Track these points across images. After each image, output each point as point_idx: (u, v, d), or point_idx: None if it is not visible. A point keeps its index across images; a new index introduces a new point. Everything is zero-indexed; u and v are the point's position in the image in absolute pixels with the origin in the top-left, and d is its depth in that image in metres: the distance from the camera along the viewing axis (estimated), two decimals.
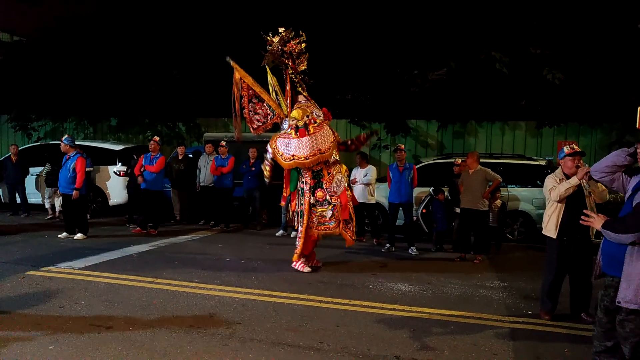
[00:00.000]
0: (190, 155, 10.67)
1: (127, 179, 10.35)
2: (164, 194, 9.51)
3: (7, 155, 11.11)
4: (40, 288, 5.40)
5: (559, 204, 4.77)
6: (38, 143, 12.98)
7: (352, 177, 8.65)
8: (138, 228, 9.09)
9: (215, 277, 6.04)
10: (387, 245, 7.97)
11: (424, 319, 4.76)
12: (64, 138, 8.49)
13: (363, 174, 8.44)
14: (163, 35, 13.58)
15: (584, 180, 4.58)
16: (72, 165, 8.15)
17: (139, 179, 9.04)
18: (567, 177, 4.73)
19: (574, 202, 4.67)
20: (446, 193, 8.37)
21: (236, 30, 13.16)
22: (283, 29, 6.53)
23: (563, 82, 10.73)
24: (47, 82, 13.95)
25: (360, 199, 8.46)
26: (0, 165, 11.03)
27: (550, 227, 4.83)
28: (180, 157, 10.38)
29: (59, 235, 8.32)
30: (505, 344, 4.19)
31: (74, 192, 8.13)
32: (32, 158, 11.32)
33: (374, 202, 8.65)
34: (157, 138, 9.42)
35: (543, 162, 9.25)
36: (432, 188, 8.46)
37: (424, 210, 8.45)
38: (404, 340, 4.18)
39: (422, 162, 9.80)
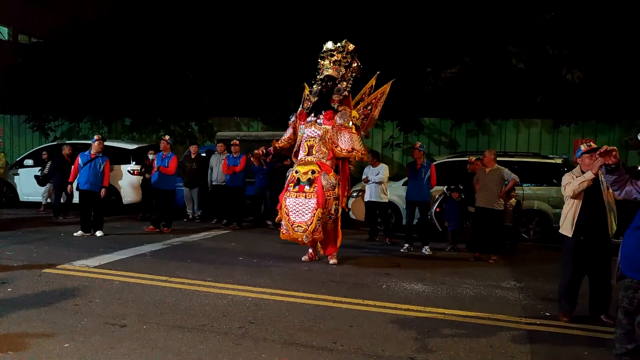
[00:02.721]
0: (203, 155, 10.71)
1: (141, 177, 10.44)
2: (175, 193, 9.52)
3: (59, 156, 10.67)
4: (56, 286, 5.45)
5: (575, 201, 4.66)
6: (55, 143, 13.16)
7: (364, 176, 8.61)
8: (151, 227, 9.15)
9: (228, 276, 6.03)
10: (406, 245, 7.85)
11: (439, 319, 4.69)
12: (97, 137, 8.74)
13: (375, 173, 8.39)
14: (176, 36, 13.66)
15: (601, 174, 4.45)
16: (103, 164, 8.50)
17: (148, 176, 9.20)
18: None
19: (590, 200, 4.56)
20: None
21: (247, 30, 13.18)
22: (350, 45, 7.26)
23: (581, 81, 10.52)
24: (64, 83, 14.14)
25: (372, 197, 8.42)
26: (57, 165, 10.54)
27: (566, 226, 4.73)
28: (192, 156, 10.43)
29: (75, 234, 8.42)
30: (523, 346, 4.10)
31: (103, 191, 8.50)
32: (49, 157, 11.52)
33: (386, 200, 8.59)
34: (167, 137, 9.46)
35: (559, 161, 9.09)
36: (445, 187, 8.37)
37: (437, 209, 8.35)
38: (418, 341, 4.12)
39: (436, 161, 9.69)
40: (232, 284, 5.65)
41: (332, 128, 6.90)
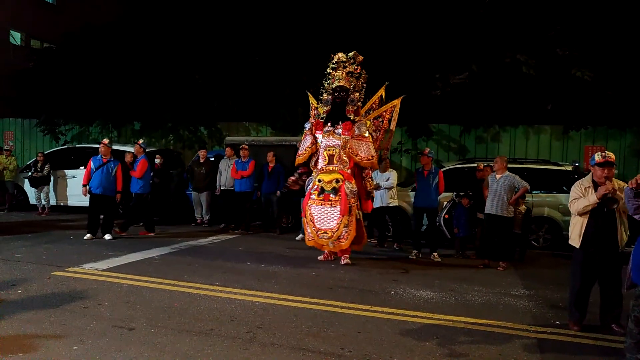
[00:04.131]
0: (212, 159, 10.77)
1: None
2: (146, 196, 9.26)
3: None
4: (65, 289, 5.50)
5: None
6: (65, 146, 13.32)
7: (373, 182, 8.60)
8: (145, 231, 9.22)
9: (236, 280, 6.05)
10: (414, 251, 7.84)
11: (448, 326, 4.66)
12: (106, 141, 8.75)
13: (385, 178, 8.38)
14: (185, 41, 13.79)
15: (610, 194, 4.40)
16: (115, 168, 8.54)
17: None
18: (596, 185, 4.58)
19: (599, 211, 4.52)
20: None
21: (256, 36, 13.28)
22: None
23: (591, 84, 10.45)
24: (74, 87, 14.32)
25: (383, 203, 8.42)
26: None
27: (574, 237, 4.70)
28: (201, 161, 10.49)
29: (84, 237, 8.49)
30: (533, 354, 4.06)
31: (118, 196, 8.63)
32: (60, 161, 11.69)
33: (396, 204, 8.57)
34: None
35: (569, 167, 9.02)
36: (454, 193, 8.34)
37: (446, 216, 8.32)
38: (427, 349, 4.10)
39: (445, 167, 9.67)
40: (240, 289, 5.67)
41: (351, 138, 7.22)
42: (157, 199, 9.84)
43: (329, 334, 4.36)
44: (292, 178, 7.93)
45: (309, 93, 8.23)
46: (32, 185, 11.33)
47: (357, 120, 7.35)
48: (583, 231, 4.61)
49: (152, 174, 10.38)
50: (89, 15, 18.39)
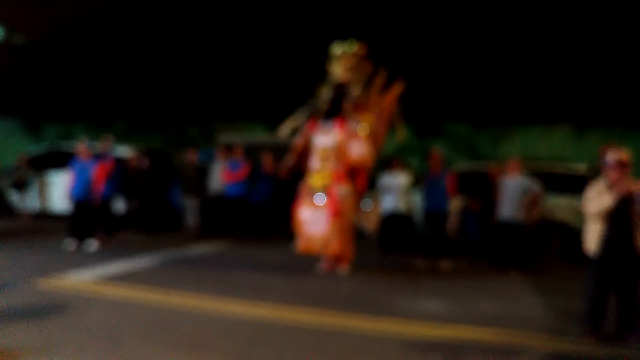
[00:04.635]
0: (203, 162, 10.77)
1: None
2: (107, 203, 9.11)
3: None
4: (50, 299, 5.49)
5: (599, 218, 4.64)
6: (48, 148, 13.32)
7: (381, 184, 8.57)
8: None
9: (229, 291, 6.04)
10: (421, 259, 7.85)
11: (455, 338, 4.66)
12: (83, 141, 8.67)
13: (395, 180, 8.33)
14: (176, 37, 13.81)
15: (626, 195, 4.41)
16: (91, 171, 8.39)
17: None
18: (611, 186, 4.60)
19: (616, 216, 4.53)
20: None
21: (252, 33, 13.29)
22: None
23: (607, 82, 10.47)
24: (58, 84, 14.34)
25: (391, 209, 8.36)
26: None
27: (590, 243, 4.71)
28: (192, 163, 10.47)
29: (69, 245, 8.49)
30: None
31: (96, 200, 8.49)
32: (43, 163, 11.70)
33: (406, 212, 8.51)
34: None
35: (585, 169, 9.04)
36: (464, 197, 8.34)
37: (455, 221, 8.32)
38: None
39: (455, 169, 9.68)
40: (234, 299, 5.67)
41: (344, 136, 7.13)
42: (146, 204, 9.86)
43: (330, 348, 4.36)
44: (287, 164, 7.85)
45: (316, 88, 8.04)
46: (14, 189, 11.34)
47: (353, 117, 7.27)
48: (599, 237, 4.62)
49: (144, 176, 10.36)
50: (76, 9, 18.41)
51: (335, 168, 7.13)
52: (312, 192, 7.09)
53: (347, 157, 7.13)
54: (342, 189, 7.02)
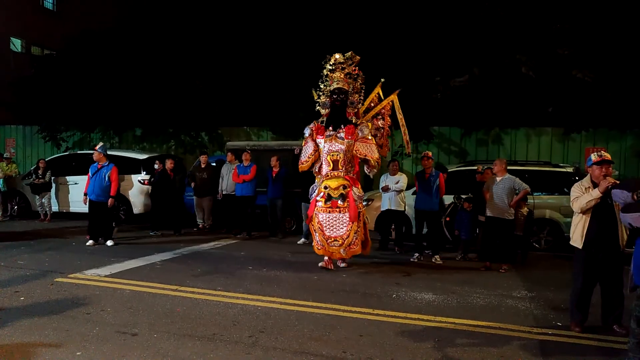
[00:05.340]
0: (214, 164, 10.81)
1: (151, 187, 10.55)
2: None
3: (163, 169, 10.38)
4: (67, 295, 5.53)
5: (584, 214, 4.65)
6: (67, 153, 13.39)
7: (382, 184, 8.60)
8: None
9: (238, 285, 6.07)
10: (416, 254, 7.87)
11: (449, 329, 4.68)
12: (98, 146, 8.74)
13: (395, 181, 8.38)
14: (185, 46, 13.87)
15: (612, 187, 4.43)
16: (108, 173, 8.48)
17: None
18: (595, 185, 4.61)
19: (601, 212, 4.54)
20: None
21: (257, 40, 13.34)
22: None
23: (592, 85, 10.47)
24: (75, 93, 14.40)
25: (391, 206, 8.40)
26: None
27: (576, 238, 4.72)
28: (203, 166, 10.54)
29: (87, 244, 8.52)
30: (535, 356, 4.08)
31: (110, 200, 8.50)
32: (62, 168, 11.75)
33: (403, 209, 8.56)
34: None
35: (570, 169, 9.04)
36: (454, 196, 8.36)
37: (447, 219, 8.34)
38: (428, 351, 4.12)
39: (447, 170, 9.68)
40: (242, 293, 5.69)
41: (355, 142, 7.10)
42: (161, 205, 9.94)
43: (331, 338, 4.38)
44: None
45: (314, 91, 7.95)
46: (33, 192, 11.38)
47: (359, 122, 7.24)
48: (585, 232, 4.63)
49: (153, 179, 10.44)
50: (89, 21, 18.53)
51: (347, 172, 7.09)
52: (328, 197, 6.95)
53: (366, 157, 7.07)
54: (356, 192, 6.99)
